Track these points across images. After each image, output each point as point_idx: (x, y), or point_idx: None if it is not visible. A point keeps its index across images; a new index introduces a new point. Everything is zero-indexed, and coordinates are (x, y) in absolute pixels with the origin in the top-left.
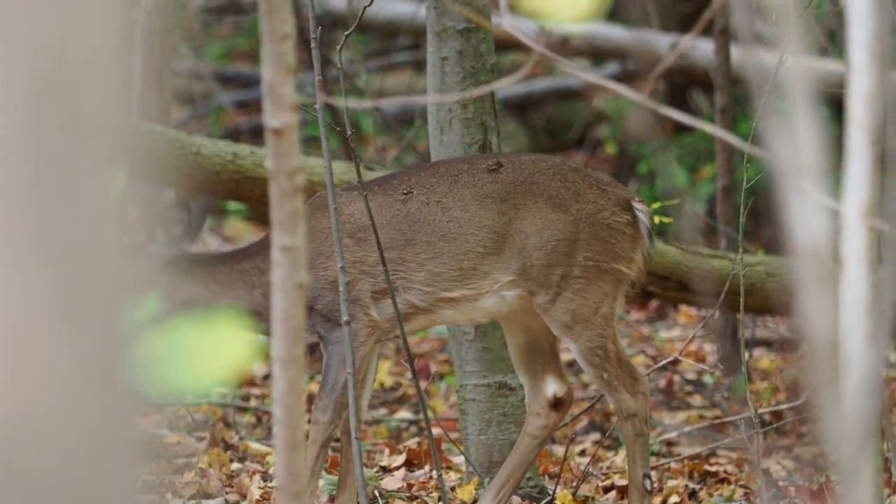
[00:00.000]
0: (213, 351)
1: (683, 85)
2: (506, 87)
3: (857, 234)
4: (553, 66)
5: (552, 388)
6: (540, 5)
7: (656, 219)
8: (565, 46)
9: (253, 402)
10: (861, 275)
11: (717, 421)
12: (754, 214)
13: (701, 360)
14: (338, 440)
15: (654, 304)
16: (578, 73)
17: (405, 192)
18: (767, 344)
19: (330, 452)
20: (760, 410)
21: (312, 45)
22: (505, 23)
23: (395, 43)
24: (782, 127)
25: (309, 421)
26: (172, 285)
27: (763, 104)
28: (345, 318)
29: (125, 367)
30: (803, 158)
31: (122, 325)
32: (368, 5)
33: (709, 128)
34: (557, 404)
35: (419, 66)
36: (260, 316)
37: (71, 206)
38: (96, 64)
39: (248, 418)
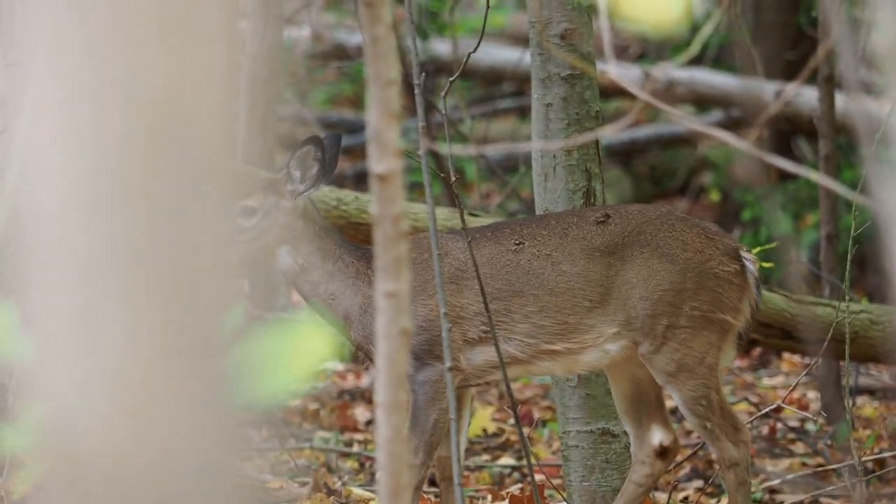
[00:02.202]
0: (294, 352)
1: (788, 132)
2: (611, 135)
3: None
4: (657, 113)
5: (658, 436)
6: (634, 12)
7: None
8: (669, 93)
9: (356, 448)
10: None
11: (820, 469)
12: (858, 262)
13: (804, 407)
14: (436, 484)
15: (757, 351)
16: (684, 120)
17: (517, 242)
18: (871, 392)
19: (433, 498)
20: (863, 458)
21: (416, 91)
22: (610, 70)
23: (499, 89)
24: (888, 175)
25: None
26: (301, 237)
27: (870, 152)
28: (448, 363)
29: (230, 409)
30: None
31: (228, 368)
32: (473, 52)
33: (813, 175)
34: (663, 453)
35: (523, 112)
36: (348, 324)
37: (180, 248)
38: (205, 109)
39: (350, 464)
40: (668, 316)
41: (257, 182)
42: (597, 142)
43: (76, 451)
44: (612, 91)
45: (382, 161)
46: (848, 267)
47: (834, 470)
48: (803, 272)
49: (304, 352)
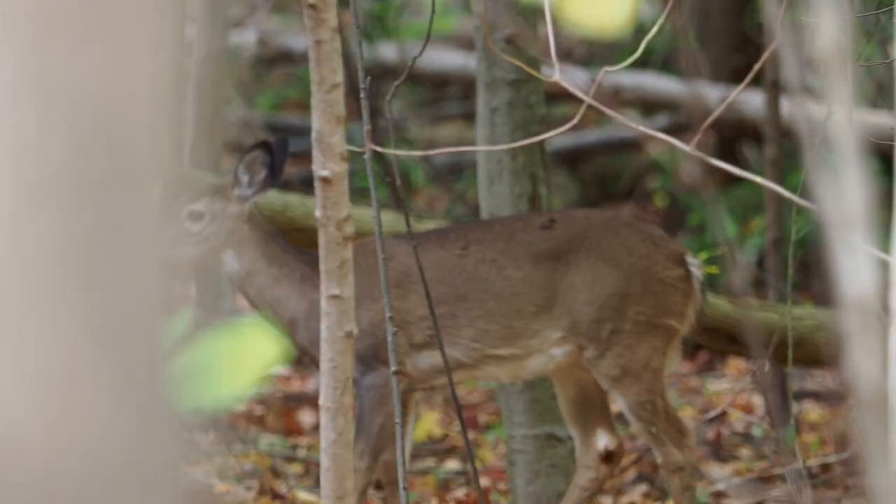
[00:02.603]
0: (242, 356)
1: (734, 137)
2: (552, 137)
3: None
4: (603, 118)
5: (603, 441)
6: (578, 16)
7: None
8: (616, 97)
9: (301, 452)
10: None
11: (765, 473)
12: (804, 267)
13: (750, 411)
14: (381, 487)
15: (703, 355)
16: (629, 124)
17: (462, 247)
18: (816, 396)
19: (378, 502)
20: (808, 463)
21: (361, 94)
22: (555, 74)
23: (446, 94)
24: (830, 179)
25: None
26: (247, 242)
27: (812, 156)
28: (393, 367)
29: (172, 413)
30: (851, 210)
31: (164, 373)
32: (418, 56)
33: (759, 180)
34: (608, 457)
35: (469, 117)
36: (293, 328)
37: (114, 255)
38: (142, 111)
39: (296, 468)
40: (613, 321)
41: (205, 186)
42: (542, 146)
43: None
44: (559, 95)
45: (326, 165)
46: (789, 271)
47: (779, 474)
48: (749, 277)
49: (251, 356)
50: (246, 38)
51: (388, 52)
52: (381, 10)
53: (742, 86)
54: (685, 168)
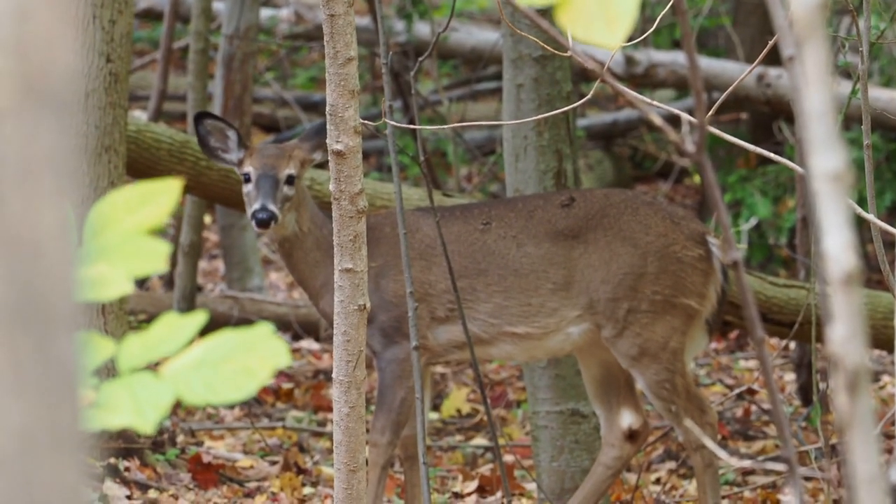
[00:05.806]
0: (248, 359)
1: (769, 115)
2: (563, 111)
3: None
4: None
5: (627, 420)
6: (580, 30)
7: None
8: (650, 76)
9: (329, 427)
10: None
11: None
12: None
13: (780, 389)
14: (402, 462)
15: (733, 333)
16: (640, 102)
17: (484, 223)
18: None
19: (402, 477)
20: (833, 441)
21: (383, 69)
22: (574, 51)
23: (481, 71)
24: (812, 152)
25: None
26: (306, 203)
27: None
28: (414, 342)
29: (78, 431)
30: (827, 178)
31: (74, 375)
32: (442, 32)
33: (781, 159)
34: (632, 436)
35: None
36: (322, 292)
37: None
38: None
39: (323, 443)
40: (629, 300)
41: (291, 149)
42: (568, 122)
43: None
44: (594, 74)
45: (341, 139)
46: (813, 249)
47: (805, 452)
48: (781, 255)
49: (259, 359)
50: (280, 14)
51: (426, 30)
52: None
53: (755, 64)
54: (687, 140)
